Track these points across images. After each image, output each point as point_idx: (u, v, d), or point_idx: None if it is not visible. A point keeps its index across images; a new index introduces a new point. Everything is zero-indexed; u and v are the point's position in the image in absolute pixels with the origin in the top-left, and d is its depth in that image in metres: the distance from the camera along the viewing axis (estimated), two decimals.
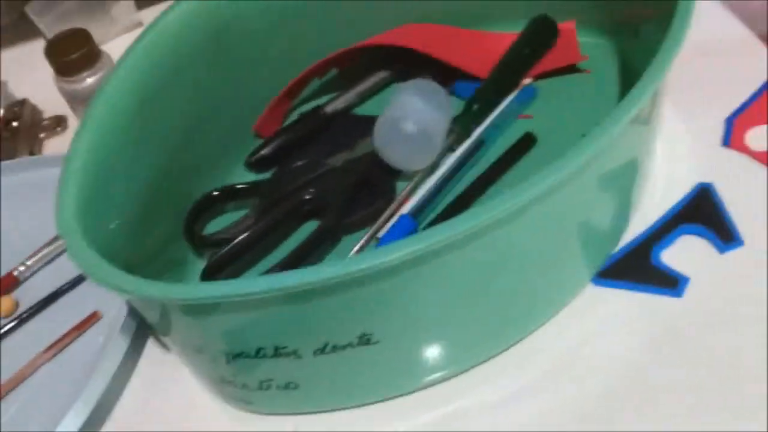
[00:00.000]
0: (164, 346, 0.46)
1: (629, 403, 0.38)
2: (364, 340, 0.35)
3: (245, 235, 0.46)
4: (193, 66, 0.48)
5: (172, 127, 0.47)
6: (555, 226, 0.37)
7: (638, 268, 0.42)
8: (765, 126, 0.47)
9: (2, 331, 0.49)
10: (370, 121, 0.54)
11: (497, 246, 0.35)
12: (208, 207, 0.49)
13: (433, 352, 0.38)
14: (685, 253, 0.42)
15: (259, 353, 0.35)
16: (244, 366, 0.36)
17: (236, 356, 0.35)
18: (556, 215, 0.36)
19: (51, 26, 0.67)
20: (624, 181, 0.41)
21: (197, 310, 0.33)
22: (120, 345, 0.44)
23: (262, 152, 0.53)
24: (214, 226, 0.50)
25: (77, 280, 0.50)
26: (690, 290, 0.41)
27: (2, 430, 0.44)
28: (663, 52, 0.38)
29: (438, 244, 0.31)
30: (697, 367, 0.38)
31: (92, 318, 0.48)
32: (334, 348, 0.35)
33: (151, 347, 0.46)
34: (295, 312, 0.33)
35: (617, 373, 0.39)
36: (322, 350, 0.35)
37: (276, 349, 0.35)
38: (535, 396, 0.39)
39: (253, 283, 0.31)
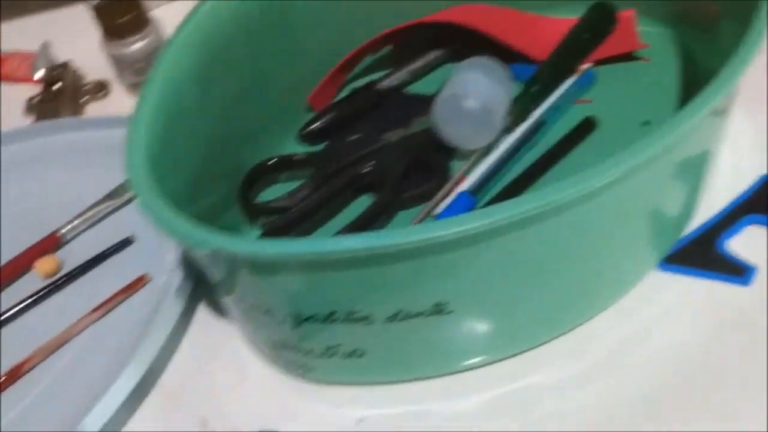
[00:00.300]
0: (216, 312, 0.45)
1: (692, 391, 0.37)
2: (438, 309, 0.34)
3: (302, 204, 0.46)
4: (253, 34, 0.48)
5: (229, 93, 0.47)
6: (627, 209, 0.37)
7: (704, 255, 0.42)
8: None
9: (46, 291, 0.48)
10: (422, 100, 0.53)
11: (573, 224, 0.34)
12: (262, 175, 0.49)
13: (500, 328, 0.37)
14: (751, 242, 0.42)
15: (330, 317, 0.34)
16: (313, 330, 0.35)
17: (306, 319, 0.35)
18: (630, 198, 0.36)
19: None
20: (694, 170, 0.41)
21: (274, 268, 0.32)
22: (175, 307, 0.43)
23: (314, 125, 0.52)
24: (266, 195, 0.49)
25: (122, 244, 0.50)
26: (757, 279, 0.40)
27: (48, 390, 0.43)
28: (745, 46, 0.37)
29: (524, 214, 0.31)
30: (763, 356, 0.38)
31: (140, 281, 0.47)
32: (407, 316, 0.34)
33: (201, 313, 0.46)
34: (372, 276, 0.33)
35: (681, 360, 0.38)
36: (394, 317, 0.34)
37: (348, 313, 0.34)
38: (598, 380, 0.38)
39: (337, 242, 0.30)
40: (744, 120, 0.48)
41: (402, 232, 0.30)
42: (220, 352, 0.43)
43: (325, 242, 0.30)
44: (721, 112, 0.39)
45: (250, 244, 0.31)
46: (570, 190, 0.31)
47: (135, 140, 0.37)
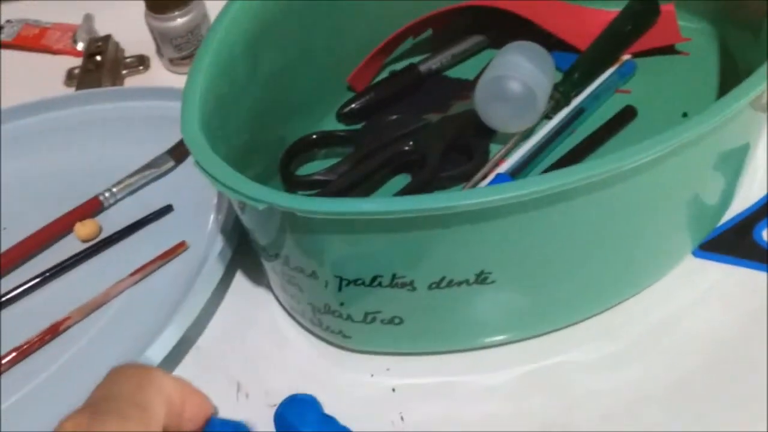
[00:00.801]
0: (254, 280, 0.46)
1: (724, 376, 0.38)
2: (482, 278, 0.35)
3: (341, 179, 0.46)
4: (300, 11, 0.48)
5: (276, 68, 0.47)
6: (666, 192, 0.37)
7: (740, 243, 0.42)
8: None
9: (86, 253, 0.49)
10: (462, 84, 0.54)
11: (614, 202, 0.35)
12: (303, 149, 0.50)
13: (538, 303, 0.38)
14: None
15: (374, 281, 0.35)
16: (356, 294, 0.36)
17: (351, 282, 0.35)
18: (669, 182, 0.36)
19: None
20: (733, 160, 0.41)
21: (324, 227, 0.33)
22: (215, 272, 0.43)
23: (354, 105, 0.53)
24: (306, 170, 0.50)
25: (163, 211, 0.50)
26: None
27: (84, 350, 0.44)
28: None
29: (567, 186, 0.31)
30: None
31: (179, 247, 0.47)
32: (450, 283, 0.35)
33: (239, 281, 0.46)
34: (420, 241, 0.33)
35: (713, 346, 0.39)
36: (437, 284, 0.35)
37: (393, 277, 0.34)
38: (631, 361, 0.39)
39: (392, 202, 0.31)
40: None
41: (452, 196, 0.31)
42: (257, 319, 0.44)
43: (376, 202, 0.31)
44: (759, 107, 0.40)
45: (305, 200, 0.31)
46: (612, 164, 0.31)
47: (190, 107, 0.38)
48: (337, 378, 0.40)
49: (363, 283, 0.35)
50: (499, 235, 0.33)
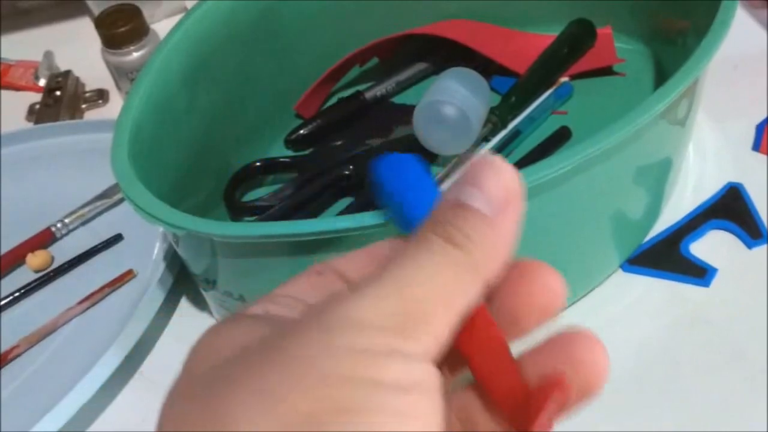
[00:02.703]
0: (198, 305, 0.47)
1: (652, 386, 0.38)
2: None
3: (283, 204, 0.48)
4: (241, 41, 0.50)
5: (217, 98, 0.49)
6: (587, 207, 0.38)
7: (667, 257, 0.43)
8: None
9: (37, 283, 0.50)
10: (407, 110, 0.55)
11: (536, 215, 0.36)
12: (248, 176, 0.51)
13: None
14: (714, 246, 0.43)
15: None
16: None
17: None
18: (589, 196, 0.38)
19: (99, 5, 0.68)
20: (657, 175, 0.43)
21: (243, 251, 0.34)
22: (156, 298, 0.44)
23: (301, 131, 0.54)
24: (251, 197, 0.51)
25: (112, 240, 0.51)
26: (717, 281, 0.42)
27: (31, 377, 0.45)
28: (698, 53, 0.39)
29: None
30: (722, 355, 0.39)
31: (127, 275, 0.48)
32: None
33: (183, 306, 0.47)
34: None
35: (642, 357, 0.40)
36: None
37: None
38: None
39: (309, 224, 0.32)
40: (712, 130, 0.50)
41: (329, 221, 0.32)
42: None
43: (276, 225, 0.32)
44: (678, 120, 0.41)
45: (217, 225, 0.32)
46: (532, 176, 0.33)
47: (120, 136, 0.39)
48: None
49: None
50: None
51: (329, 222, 0.32)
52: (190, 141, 0.46)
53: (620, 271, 0.43)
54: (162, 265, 0.46)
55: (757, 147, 0.48)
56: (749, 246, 0.43)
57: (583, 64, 0.54)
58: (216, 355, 0.19)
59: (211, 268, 0.39)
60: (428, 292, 0.19)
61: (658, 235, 0.44)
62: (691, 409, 0.37)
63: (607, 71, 0.55)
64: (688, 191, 0.46)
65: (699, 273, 0.42)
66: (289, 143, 0.54)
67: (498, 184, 0.20)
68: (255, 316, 0.21)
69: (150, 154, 0.41)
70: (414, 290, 0.19)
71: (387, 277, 0.19)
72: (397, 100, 0.57)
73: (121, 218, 0.53)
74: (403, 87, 0.57)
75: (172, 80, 0.45)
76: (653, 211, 0.44)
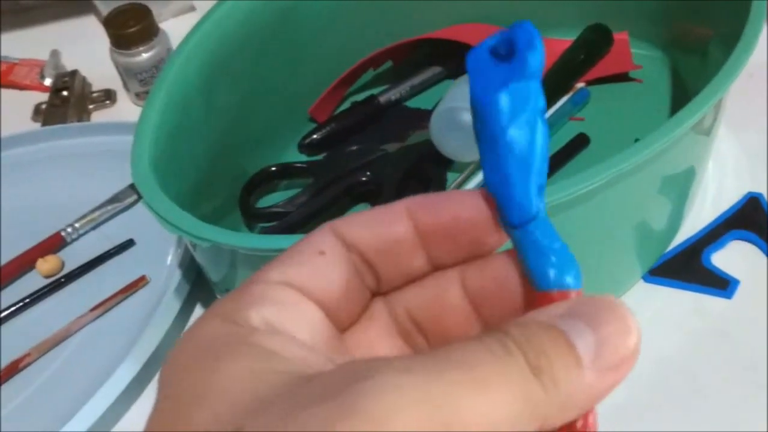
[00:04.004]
0: None
1: (671, 398, 0.38)
2: None
3: (299, 209, 0.47)
4: (257, 44, 0.49)
5: (233, 102, 0.48)
6: (613, 219, 0.38)
7: (689, 268, 0.43)
8: None
9: (47, 289, 0.49)
10: (421, 114, 0.55)
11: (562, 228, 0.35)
12: (263, 181, 0.50)
13: None
14: (735, 257, 0.43)
15: None
16: None
17: None
18: (615, 207, 0.37)
19: (106, 4, 0.68)
20: (679, 186, 0.42)
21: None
22: (173, 306, 0.44)
23: (315, 136, 0.54)
24: (266, 202, 0.50)
25: (124, 245, 0.51)
26: (740, 292, 0.41)
27: (43, 387, 0.44)
28: (730, 62, 0.38)
29: None
30: (742, 368, 0.39)
31: (140, 282, 0.48)
32: None
33: (199, 313, 0.47)
34: None
35: (662, 369, 0.39)
36: None
37: None
38: None
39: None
40: (731, 140, 0.49)
41: None
42: None
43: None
44: (704, 131, 0.41)
45: (247, 238, 0.32)
46: (561, 193, 0.32)
47: (140, 144, 0.39)
48: None
49: None
50: None
51: None
52: (207, 146, 0.46)
53: (642, 282, 0.43)
54: (178, 272, 0.45)
55: None
56: None
57: (600, 69, 0.54)
58: (213, 392, 0.16)
59: (229, 277, 0.39)
60: (480, 419, 0.15)
61: (679, 246, 0.44)
62: (709, 424, 0.37)
63: (623, 77, 0.54)
64: (708, 202, 0.46)
65: (721, 284, 0.42)
66: (303, 148, 0.54)
67: (618, 339, 0.17)
68: (256, 344, 0.17)
69: (169, 161, 0.40)
70: (464, 414, 0.15)
71: (437, 380, 0.15)
72: (412, 104, 0.56)
73: (132, 222, 0.52)
74: (417, 91, 0.57)
75: (191, 84, 0.44)
76: (675, 222, 0.44)
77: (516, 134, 0.18)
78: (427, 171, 0.50)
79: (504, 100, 0.18)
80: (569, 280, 0.19)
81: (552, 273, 0.18)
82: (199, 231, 0.33)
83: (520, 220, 0.19)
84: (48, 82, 0.66)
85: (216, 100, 0.47)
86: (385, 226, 0.20)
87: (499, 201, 0.19)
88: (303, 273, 0.19)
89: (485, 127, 0.19)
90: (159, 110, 0.42)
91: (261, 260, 0.34)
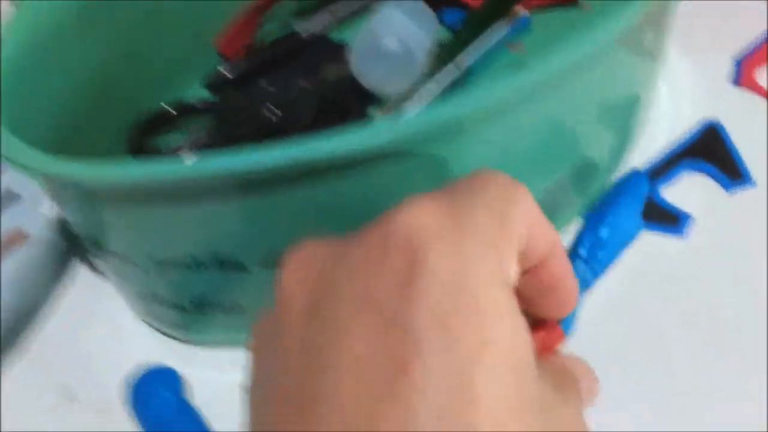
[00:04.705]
0: (94, 272, 0.40)
1: (622, 347, 0.33)
2: None
3: (198, 152, 0.41)
4: None
5: (124, 26, 0.42)
6: (540, 145, 0.32)
7: None
8: None
9: None
10: (342, 47, 0.49)
11: (478, 147, 0.30)
12: (158, 123, 0.44)
13: None
14: (689, 191, 0.38)
15: (196, 262, 0.30)
16: (180, 279, 0.31)
17: (169, 265, 0.30)
18: (541, 131, 0.32)
19: None
20: (623, 114, 0.37)
21: (118, 198, 0.28)
22: (46, 264, 0.38)
23: (224, 73, 0.47)
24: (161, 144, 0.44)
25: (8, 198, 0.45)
26: (694, 230, 0.36)
27: None
28: None
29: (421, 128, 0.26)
30: (697, 311, 0.34)
31: (17, 238, 0.42)
32: None
33: (78, 274, 0.41)
34: (243, 208, 0.28)
35: (610, 315, 0.34)
36: (272, 261, 0.30)
37: (216, 256, 0.29)
38: None
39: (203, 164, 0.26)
40: (687, 66, 0.44)
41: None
42: (97, 316, 0.39)
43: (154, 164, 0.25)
44: (644, 52, 0.35)
45: (79, 168, 0.26)
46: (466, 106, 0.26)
47: None
48: (184, 377, 0.35)
49: (184, 266, 0.30)
50: (333, 194, 0.28)
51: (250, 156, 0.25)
52: (88, 73, 0.40)
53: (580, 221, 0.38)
54: (53, 228, 0.39)
55: (736, 81, 0.42)
56: (728, 189, 0.37)
57: None
58: None
59: (89, 224, 0.32)
60: None
61: None
62: (661, 373, 0.32)
63: (569, 3, 0.49)
64: (661, 132, 0.41)
65: (672, 221, 0.36)
66: (211, 86, 0.47)
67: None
68: None
69: (27, 97, 0.34)
70: None
71: None
72: (336, 37, 0.50)
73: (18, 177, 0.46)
74: (341, 22, 0.51)
75: (59, 13, 0.38)
76: (620, 154, 0.38)
77: None
78: (347, 105, 0.44)
79: None
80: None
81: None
82: (31, 161, 0.27)
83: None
84: None
85: (101, 21, 0.40)
86: None
87: None
88: None
89: None
90: (16, 38, 0.35)
91: (106, 195, 0.28)
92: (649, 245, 0.36)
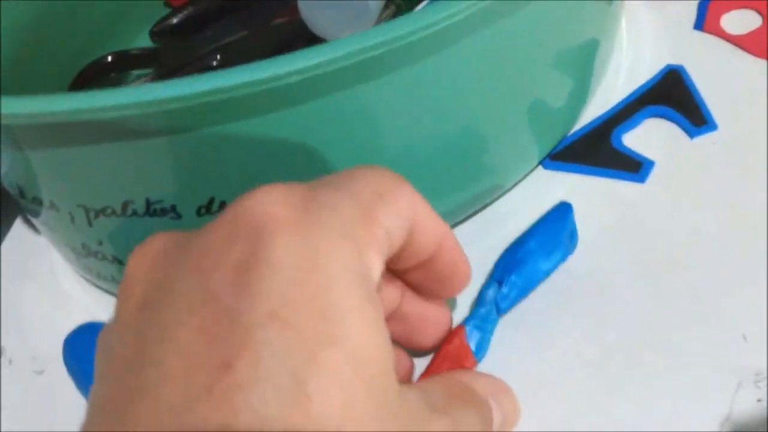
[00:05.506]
0: (32, 226, 0.38)
1: (583, 300, 0.32)
2: None
3: None
4: None
5: None
6: (494, 92, 0.31)
7: (597, 151, 0.36)
8: (742, 10, 0.41)
9: None
10: None
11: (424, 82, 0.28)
12: (99, 73, 0.42)
13: None
14: (650, 137, 0.37)
15: (127, 209, 0.28)
16: (112, 228, 0.29)
17: (99, 213, 0.28)
18: (493, 79, 0.30)
19: None
20: (581, 58, 0.35)
21: (36, 138, 0.26)
22: None
23: (169, 21, 0.45)
24: None
25: None
26: (654, 176, 0.35)
27: None
28: None
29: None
30: (658, 260, 0.33)
31: None
32: (223, 206, 0.28)
33: (18, 229, 0.39)
34: (172, 150, 0.26)
35: (571, 267, 0.33)
36: (207, 209, 0.28)
37: (148, 203, 0.27)
38: (482, 277, 0.33)
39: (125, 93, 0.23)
40: (646, 8, 0.43)
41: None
42: (33, 272, 0.37)
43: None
44: None
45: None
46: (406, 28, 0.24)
47: None
48: None
49: (115, 213, 0.28)
50: (277, 134, 0.26)
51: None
52: (22, 18, 0.37)
53: (541, 169, 0.36)
54: None
55: (700, 25, 0.41)
56: (691, 135, 0.36)
57: None
58: None
59: (8, 169, 0.30)
60: None
61: (585, 127, 0.37)
62: (622, 324, 0.31)
63: None
64: (621, 77, 0.39)
65: (633, 167, 0.35)
66: (155, 35, 0.45)
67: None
68: None
69: None
70: None
71: None
72: None
73: None
74: None
75: None
76: (579, 100, 0.37)
77: None
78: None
79: None
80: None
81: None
82: None
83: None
84: None
85: None
86: None
87: None
88: None
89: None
90: None
91: (23, 135, 0.26)
92: (608, 192, 0.35)
